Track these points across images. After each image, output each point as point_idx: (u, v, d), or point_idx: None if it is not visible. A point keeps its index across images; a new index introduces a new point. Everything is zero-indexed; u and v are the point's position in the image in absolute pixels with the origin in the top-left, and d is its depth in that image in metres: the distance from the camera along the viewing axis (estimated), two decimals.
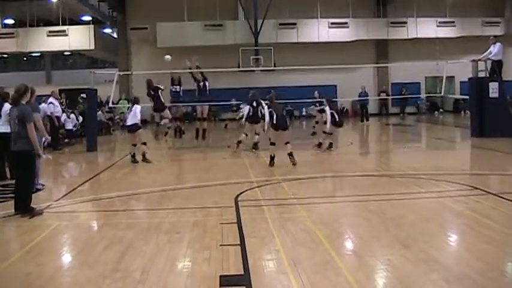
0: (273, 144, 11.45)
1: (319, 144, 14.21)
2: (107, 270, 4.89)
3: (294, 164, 11.14)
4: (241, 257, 5.15)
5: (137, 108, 12.91)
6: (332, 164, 12.07)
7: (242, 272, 4.76)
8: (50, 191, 9.50)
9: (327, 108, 13.94)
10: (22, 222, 6.92)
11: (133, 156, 12.68)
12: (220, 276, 4.66)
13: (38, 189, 8.86)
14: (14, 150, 7.44)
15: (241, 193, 8.37)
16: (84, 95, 19.70)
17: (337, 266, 4.86)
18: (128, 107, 12.91)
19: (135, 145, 12.77)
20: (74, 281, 4.78)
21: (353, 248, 5.56)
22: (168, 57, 16.79)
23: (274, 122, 11.44)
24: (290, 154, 11.30)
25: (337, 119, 13.51)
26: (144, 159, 12.62)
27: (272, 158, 11.33)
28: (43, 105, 15.65)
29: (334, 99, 16.70)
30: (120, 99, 26.09)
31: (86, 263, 5.18)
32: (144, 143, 12.95)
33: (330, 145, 14.00)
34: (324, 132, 14.12)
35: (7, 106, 9.93)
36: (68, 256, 5.64)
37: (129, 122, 12.91)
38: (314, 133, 17.28)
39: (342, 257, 5.16)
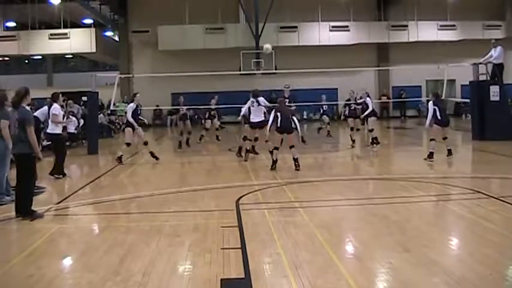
0: (276, 148, 11.28)
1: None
2: (108, 274, 4.89)
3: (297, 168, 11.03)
4: (242, 261, 5.14)
5: (261, 100, 12.36)
6: (333, 168, 12.07)
7: (243, 276, 4.75)
8: (51, 193, 9.50)
9: (369, 100, 14.99)
10: (23, 225, 6.92)
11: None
12: (221, 280, 4.65)
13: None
14: (14, 153, 7.45)
15: (242, 196, 8.36)
16: (71, 101, 19.68)
17: (339, 269, 4.85)
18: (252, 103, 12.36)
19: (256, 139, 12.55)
20: (75, 284, 4.77)
21: (354, 252, 5.56)
22: (267, 46, 16.87)
23: (279, 125, 11.16)
24: (295, 160, 11.06)
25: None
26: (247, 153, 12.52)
27: (274, 162, 11.25)
28: (44, 108, 15.64)
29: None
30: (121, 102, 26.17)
31: (87, 266, 5.17)
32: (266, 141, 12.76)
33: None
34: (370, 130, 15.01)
35: (54, 106, 10.97)
36: (68, 259, 5.62)
37: (255, 119, 12.29)
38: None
39: (343, 261, 5.15)
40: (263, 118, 12.09)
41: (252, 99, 12.28)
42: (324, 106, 19.55)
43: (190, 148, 16.11)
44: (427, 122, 12.46)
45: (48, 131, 11.28)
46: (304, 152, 13.54)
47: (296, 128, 11.41)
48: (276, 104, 11.65)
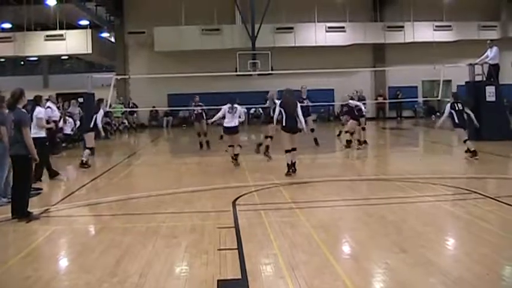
0: (288, 151, 10.58)
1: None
2: (104, 275, 4.88)
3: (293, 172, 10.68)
4: (238, 262, 5.14)
5: (239, 111, 12.14)
6: (330, 168, 12.07)
7: (240, 277, 4.75)
8: (47, 195, 9.48)
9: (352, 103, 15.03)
10: (19, 227, 6.90)
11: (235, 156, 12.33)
12: (218, 281, 4.65)
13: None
14: (11, 155, 7.44)
15: (239, 197, 8.36)
16: (74, 101, 19.62)
17: (335, 270, 4.85)
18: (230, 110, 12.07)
19: (232, 146, 12.33)
20: (71, 285, 4.76)
21: (351, 252, 5.56)
22: None
23: (284, 124, 10.59)
24: (293, 164, 10.60)
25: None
26: (234, 160, 12.31)
27: (289, 166, 10.55)
28: (40, 109, 15.62)
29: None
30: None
31: (84, 268, 5.17)
32: (240, 146, 12.68)
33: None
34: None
35: (38, 110, 10.52)
36: (65, 260, 5.62)
37: (231, 124, 12.08)
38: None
39: (340, 261, 5.16)
40: (237, 124, 12.07)
41: (229, 104, 12.07)
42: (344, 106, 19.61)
43: (211, 149, 15.91)
44: (440, 121, 12.79)
45: (32, 135, 10.78)
46: (302, 152, 13.54)
47: (301, 124, 10.91)
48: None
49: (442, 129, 12.98)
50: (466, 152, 12.26)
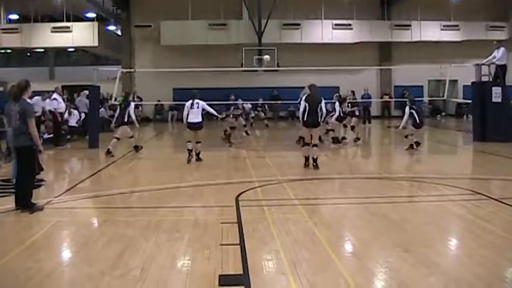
0: (307, 144, 10.93)
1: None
2: (106, 267, 4.89)
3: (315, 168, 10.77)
4: (240, 257, 5.14)
5: (201, 104, 12.15)
6: (334, 166, 12.06)
7: (241, 272, 4.75)
8: (51, 186, 9.51)
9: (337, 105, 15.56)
10: (22, 218, 6.92)
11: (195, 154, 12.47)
12: (220, 276, 4.65)
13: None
14: (15, 146, 7.46)
15: (242, 193, 8.36)
16: (85, 92, 19.64)
17: (337, 267, 4.85)
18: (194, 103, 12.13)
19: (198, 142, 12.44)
20: (73, 277, 4.78)
21: (353, 250, 5.55)
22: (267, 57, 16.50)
23: (305, 119, 10.78)
24: (314, 159, 10.81)
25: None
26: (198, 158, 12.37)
27: (307, 159, 10.91)
28: (46, 101, 15.77)
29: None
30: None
31: (86, 260, 5.18)
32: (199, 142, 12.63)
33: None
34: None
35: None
36: (67, 252, 5.63)
37: (194, 119, 12.12)
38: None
39: (342, 259, 5.15)
40: (201, 119, 12.13)
41: (191, 100, 12.11)
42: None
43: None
44: (403, 123, 14.15)
45: None
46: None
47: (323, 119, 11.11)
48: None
49: (406, 129, 14.26)
50: (415, 143, 13.86)
